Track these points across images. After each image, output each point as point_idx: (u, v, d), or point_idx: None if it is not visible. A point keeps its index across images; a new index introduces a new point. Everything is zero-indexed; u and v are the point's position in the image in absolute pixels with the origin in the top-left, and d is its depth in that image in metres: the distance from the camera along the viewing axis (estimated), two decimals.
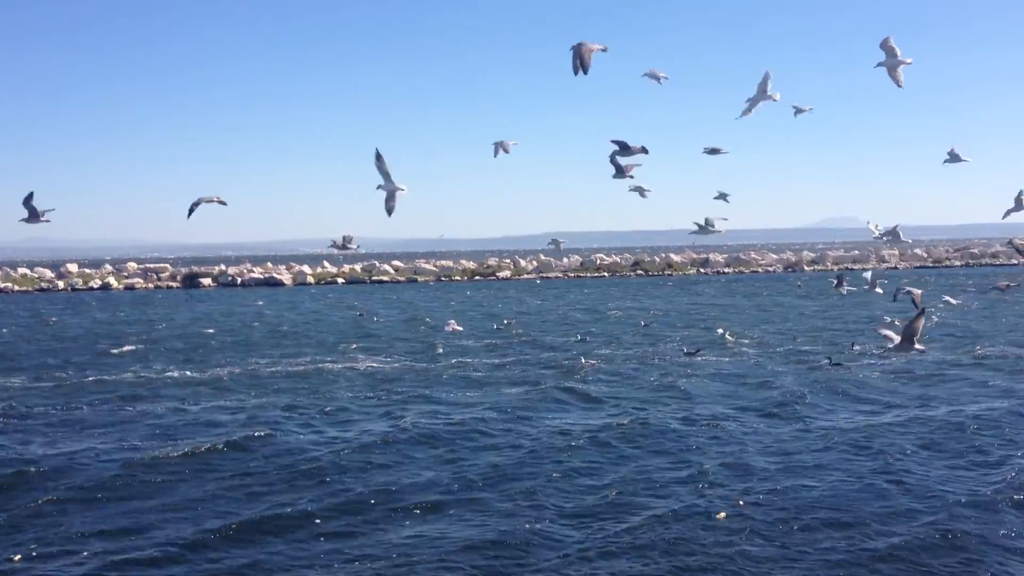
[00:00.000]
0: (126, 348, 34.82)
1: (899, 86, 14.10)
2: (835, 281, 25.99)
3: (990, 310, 43.78)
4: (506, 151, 15.32)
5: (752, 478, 14.76)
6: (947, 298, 33.65)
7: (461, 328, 33.21)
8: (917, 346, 15.51)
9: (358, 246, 17.25)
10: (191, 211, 13.39)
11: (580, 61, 11.79)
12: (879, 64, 14.18)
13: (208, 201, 13.44)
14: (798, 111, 15.83)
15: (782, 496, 13.75)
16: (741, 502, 13.47)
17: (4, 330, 44.09)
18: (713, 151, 15.33)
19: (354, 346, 34.56)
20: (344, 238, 16.87)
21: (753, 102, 14.62)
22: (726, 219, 17.59)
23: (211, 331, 42.13)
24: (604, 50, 12.10)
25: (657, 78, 15.55)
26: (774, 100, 14.52)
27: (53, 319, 50.95)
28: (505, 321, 42.12)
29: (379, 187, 12.94)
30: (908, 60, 14.13)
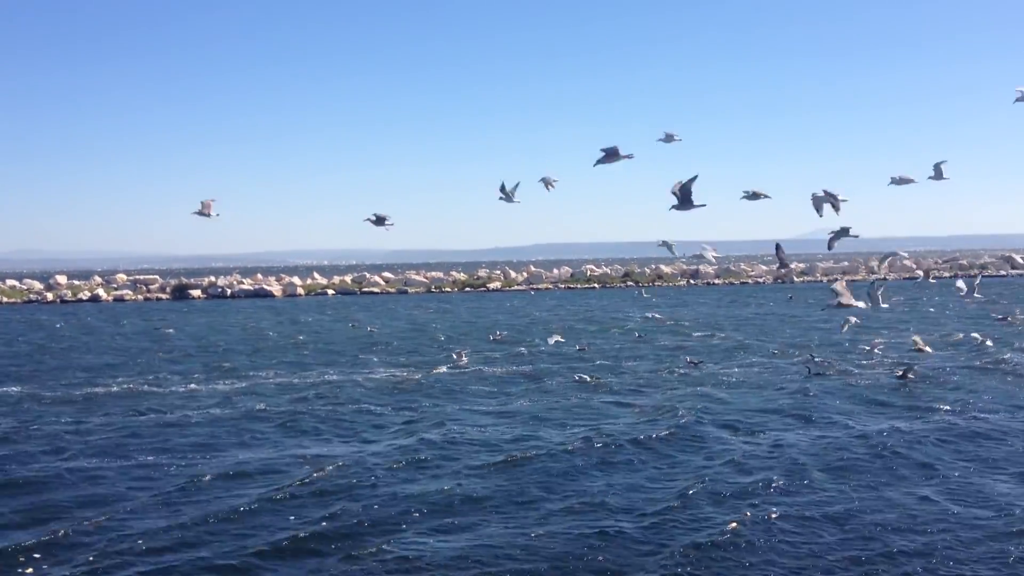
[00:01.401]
0: (219, 359, 34.57)
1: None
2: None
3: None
4: (551, 187, 16.14)
5: (765, 486, 14.49)
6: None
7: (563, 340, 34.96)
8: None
9: (393, 224, 16.52)
10: None
11: (683, 194, 13.54)
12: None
13: None
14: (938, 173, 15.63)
15: (800, 506, 13.44)
16: (752, 512, 13.15)
17: (54, 345, 42.13)
18: (754, 196, 14.77)
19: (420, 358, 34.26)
20: (379, 217, 16.15)
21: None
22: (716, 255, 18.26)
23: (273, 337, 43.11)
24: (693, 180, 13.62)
25: (671, 140, 15.58)
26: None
27: (104, 327, 51.72)
28: (499, 334, 41.65)
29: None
30: (914, 180, 15.58)
